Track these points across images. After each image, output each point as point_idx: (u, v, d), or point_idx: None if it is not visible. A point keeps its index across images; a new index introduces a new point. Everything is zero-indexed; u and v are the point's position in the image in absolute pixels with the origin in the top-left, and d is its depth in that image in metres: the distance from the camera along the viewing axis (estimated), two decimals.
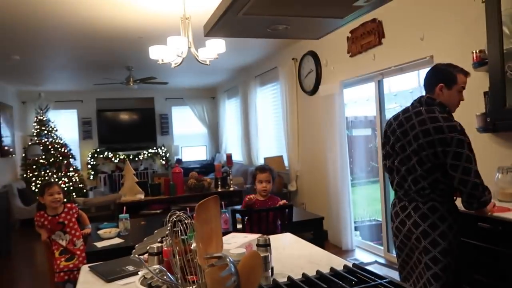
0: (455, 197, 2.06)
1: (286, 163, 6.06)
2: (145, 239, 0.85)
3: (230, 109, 9.19)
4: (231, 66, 7.40)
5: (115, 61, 6.35)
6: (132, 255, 0.81)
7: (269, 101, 6.91)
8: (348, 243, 4.67)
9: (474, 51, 2.76)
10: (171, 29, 4.17)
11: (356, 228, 4.96)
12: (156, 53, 3.61)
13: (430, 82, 2.11)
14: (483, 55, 2.70)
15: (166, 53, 3.57)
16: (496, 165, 2.63)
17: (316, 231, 3.26)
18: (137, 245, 0.83)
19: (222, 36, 1.73)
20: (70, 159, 8.46)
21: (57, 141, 8.36)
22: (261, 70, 6.95)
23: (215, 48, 3.55)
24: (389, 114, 4.30)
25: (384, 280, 1.21)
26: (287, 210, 2.82)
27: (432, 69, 2.16)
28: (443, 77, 2.07)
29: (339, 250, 4.59)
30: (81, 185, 8.43)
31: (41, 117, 8.33)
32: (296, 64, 5.74)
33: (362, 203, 5.55)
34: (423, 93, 2.16)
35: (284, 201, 2.89)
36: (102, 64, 6.57)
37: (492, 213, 2.15)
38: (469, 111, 2.94)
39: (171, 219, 0.91)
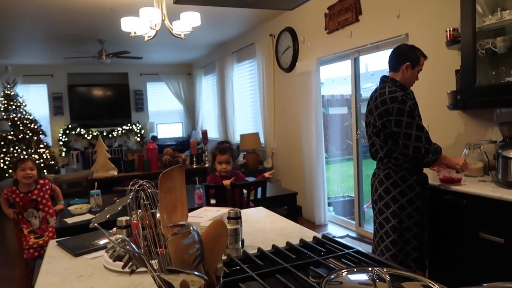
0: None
1: (262, 140, 6.06)
2: (106, 208, 0.82)
3: (206, 85, 9.06)
4: (208, 41, 7.24)
5: (86, 34, 6.10)
6: (91, 224, 0.78)
7: (246, 78, 6.84)
8: (321, 218, 4.76)
9: (447, 29, 2.78)
10: (144, 1, 4.02)
11: (329, 204, 5.06)
12: (128, 25, 3.48)
13: (396, 60, 2.33)
14: (456, 34, 2.73)
15: (138, 25, 3.45)
16: (465, 141, 2.71)
17: (290, 206, 3.30)
18: (97, 214, 0.80)
19: (192, 4, 1.66)
20: (41, 136, 8.19)
21: (26, 116, 8.06)
22: (238, 46, 6.84)
23: (189, 20, 3.45)
24: (364, 93, 4.33)
25: (351, 250, 1.23)
26: (260, 185, 2.83)
27: (398, 49, 2.37)
28: (409, 57, 2.29)
29: (312, 225, 4.68)
30: (52, 162, 8.20)
31: (9, 92, 7.97)
32: (274, 40, 5.67)
33: (337, 179, 5.65)
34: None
35: (268, 174, 2.90)
36: (72, 37, 6.30)
37: (450, 169, 2.32)
38: (440, 89, 2.99)
39: (133, 188, 0.88)
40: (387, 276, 0.99)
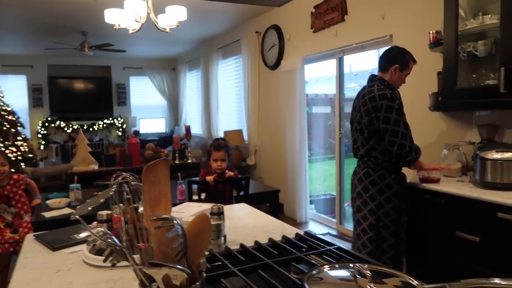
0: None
1: (245, 137, 6.06)
2: (87, 200, 0.80)
3: (191, 81, 8.99)
4: (193, 36, 7.19)
5: (69, 25, 5.96)
6: (72, 216, 0.76)
7: (231, 74, 6.82)
8: (302, 215, 4.80)
9: (431, 32, 2.83)
10: None
11: (311, 202, 5.10)
12: (112, 16, 3.41)
13: (386, 61, 2.36)
14: (439, 36, 2.77)
15: (123, 18, 3.39)
16: (445, 142, 2.77)
17: (272, 203, 3.31)
18: (78, 207, 0.78)
19: None
20: (19, 128, 7.97)
21: (4, 108, 7.82)
22: (223, 42, 6.81)
23: (176, 15, 3.41)
24: (348, 93, 4.37)
25: (332, 247, 1.24)
26: (243, 181, 2.82)
27: (390, 51, 2.40)
28: (399, 60, 2.34)
29: (294, 222, 4.70)
30: (30, 155, 7.99)
31: None
32: (259, 37, 5.66)
33: (319, 178, 5.69)
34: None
35: (230, 173, 2.82)
36: (54, 27, 6.15)
37: (426, 171, 2.39)
38: (422, 90, 3.04)
39: (116, 180, 0.87)
40: (368, 272, 1.01)
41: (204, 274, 0.85)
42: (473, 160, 2.33)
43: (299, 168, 4.77)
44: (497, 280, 0.83)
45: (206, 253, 1.21)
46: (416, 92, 3.14)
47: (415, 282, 0.91)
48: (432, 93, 2.87)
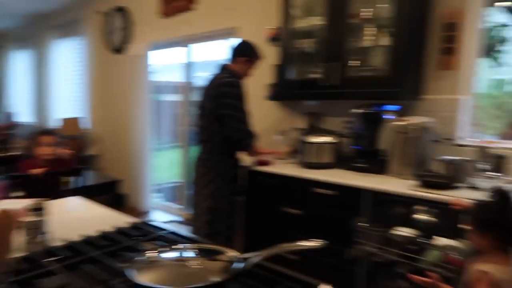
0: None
1: (87, 125, 5.59)
2: None
3: (20, 62, 7.77)
4: (23, 10, 6.17)
5: None
6: None
7: (69, 57, 6.14)
8: (148, 205, 4.71)
9: (271, 28, 3.05)
10: None
11: (159, 191, 5.04)
12: None
13: (236, 53, 2.49)
14: (276, 32, 3.02)
15: None
16: (279, 129, 3.06)
17: (113, 194, 3.16)
18: None
19: None
20: None
21: None
22: (62, 20, 6.06)
23: None
24: (196, 81, 4.42)
25: (165, 232, 1.25)
26: (78, 171, 2.61)
27: (241, 43, 2.55)
28: (249, 53, 2.50)
29: (138, 212, 4.56)
30: None
31: None
32: (104, 18, 5.23)
33: (166, 166, 5.64)
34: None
35: (64, 151, 2.63)
36: None
37: (262, 155, 2.61)
38: (262, 81, 3.27)
39: None
40: (198, 251, 1.06)
41: (11, 276, 0.76)
42: (300, 144, 2.65)
43: (144, 156, 4.67)
44: (302, 243, 1.00)
45: (20, 254, 1.08)
46: (257, 82, 3.35)
47: (239, 255, 0.99)
48: (268, 84, 3.12)
